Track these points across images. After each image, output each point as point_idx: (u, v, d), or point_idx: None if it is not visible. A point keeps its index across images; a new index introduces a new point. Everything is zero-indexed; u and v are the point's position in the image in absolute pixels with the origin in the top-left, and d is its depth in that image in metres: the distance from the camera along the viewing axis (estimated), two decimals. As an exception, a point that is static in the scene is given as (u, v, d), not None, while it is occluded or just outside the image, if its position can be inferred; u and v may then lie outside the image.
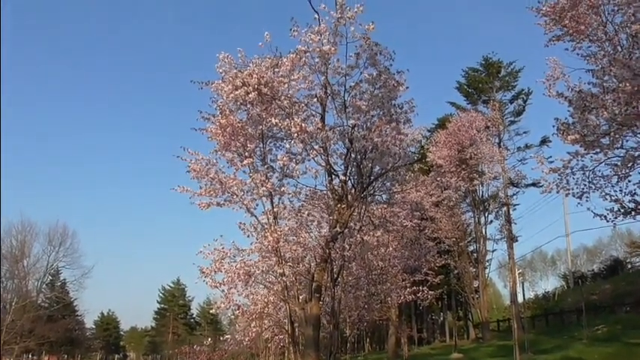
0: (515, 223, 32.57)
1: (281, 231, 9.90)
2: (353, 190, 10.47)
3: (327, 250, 10.00)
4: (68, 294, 69.14)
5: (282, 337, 11.75)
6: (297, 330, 11.36)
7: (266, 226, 10.65)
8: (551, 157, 30.86)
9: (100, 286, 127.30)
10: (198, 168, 11.35)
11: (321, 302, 10.38)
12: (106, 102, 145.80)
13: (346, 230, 10.24)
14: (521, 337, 29.21)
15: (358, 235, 9.95)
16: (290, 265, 10.18)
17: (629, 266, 48.78)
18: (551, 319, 35.06)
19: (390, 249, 11.90)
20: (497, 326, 38.86)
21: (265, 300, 11.28)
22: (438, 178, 28.74)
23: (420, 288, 14.70)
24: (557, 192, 10.60)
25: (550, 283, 75.78)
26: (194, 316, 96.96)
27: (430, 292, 15.01)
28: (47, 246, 60.69)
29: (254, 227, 10.85)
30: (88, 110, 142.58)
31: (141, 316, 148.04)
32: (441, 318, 46.00)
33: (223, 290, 11.31)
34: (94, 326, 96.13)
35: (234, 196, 11.29)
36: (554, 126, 10.31)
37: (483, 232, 32.64)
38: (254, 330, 10.65)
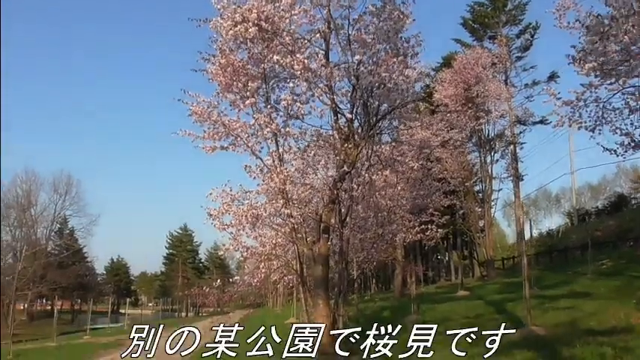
0: (522, 162, 32.39)
1: (287, 173, 9.70)
2: (360, 129, 10.19)
3: (335, 191, 9.84)
4: (77, 241, 70.47)
5: (290, 277, 11.77)
6: (305, 270, 11.37)
7: (272, 168, 10.45)
8: (559, 92, 30.35)
9: (109, 233, 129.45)
10: (199, 111, 11.02)
11: (329, 243, 10.32)
12: (106, 47, 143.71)
13: (353, 170, 10.02)
14: (527, 273, 29.69)
15: (366, 175, 9.76)
16: (297, 207, 10.05)
17: (634, 202, 48.90)
18: (555, 255, 35.44)
19: (399, 188, 11.75)
20: (502, 264, 39.40)
21: (273, 242, 11.23)
22: (445, 119, 28.28)
23: (429, 227, 14.68)
24: (570, 125, 10.27)
25: (554, 221, 76.34)
26: (202, 260, 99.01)
27: (439, 229, 15.01)
28: (53, 195, 61.47)
29: (260, 169, 10.65)
30: (89, 57, 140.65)
31: (150, 262, 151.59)
32: (446, 258, 46.62)
33: (232, 232, 11.28)
34: (104, 272, 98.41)
35: (239, 139, 11.03)
36: (568, 55, 9.88)
37: (489, 172, 32.48)
38: (263, 271, 10.64)
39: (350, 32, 9.59)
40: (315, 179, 10.00)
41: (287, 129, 9.97)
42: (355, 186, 9.88)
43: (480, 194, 34.87)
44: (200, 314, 79.67)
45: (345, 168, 9.30)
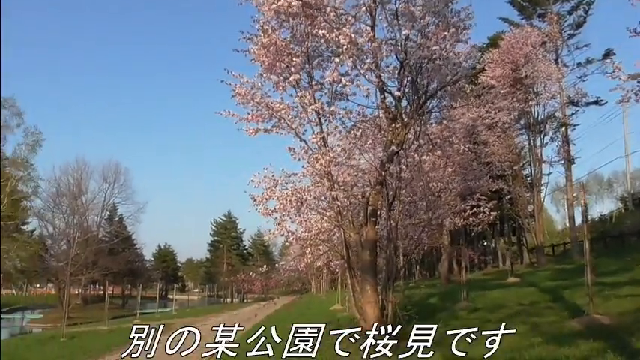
0: (574, 144, 30.96)
1: (332, 154, 9.36)
2: (408, 108, 9.75)
3: (383, 173, 9.45)
4: (126, 228, 72.52)
5: (337, 263, 11.47)
6: (352, 256, 11.05)
7: (316, 150, 10.14)
8: (614, 71, 28.77)
9: (156, 220, 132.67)
10: (243, 92, 10.80)
11: (377, 227, 9.97)
12: (153, 34, 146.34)
13: (401, 151, 9.61)
14: (579, 260, 28.52)
15: (416, 156, 9.33)
16: (343, 190, 9.71)
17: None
18: (610, 242, 33.92)
19: (449, 170, 11.25)
20: (551, 251, 38.13)
21: (319, 226, 10.94)
22: (491, 103, 27.22)
23: (482, 209, 14.11)
24: (637, 101, 9.51)
25: (605, 207, 73.57)
26: (246, 247, 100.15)
27: (492, 212, 14.40)
28: (102, 183, 63.35)
29: (304, 151, 10.36)
30: (136, 45, 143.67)
31: (196, 249, 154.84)
32: (493, 244, 45.43)
33: (276, 218, 11.09)
34: (152, 258, 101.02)
35: (282, 121, 10.77)
36: (629, 29, 9.15)
37: (539, 155, 31.21)
38: (309, 257, 10.38)
39: (397, 5, 9.15)
40: (362, 161, 9.61)
41: (332, 108, 9.60)
42: (404, 167, 9.47)
43: (529, 178, 33.66)
44: (245, 300, 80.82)
45: (394, 148, 8.89)
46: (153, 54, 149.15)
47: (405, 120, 9.59)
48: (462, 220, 12.49)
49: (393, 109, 9.87)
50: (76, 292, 63.78)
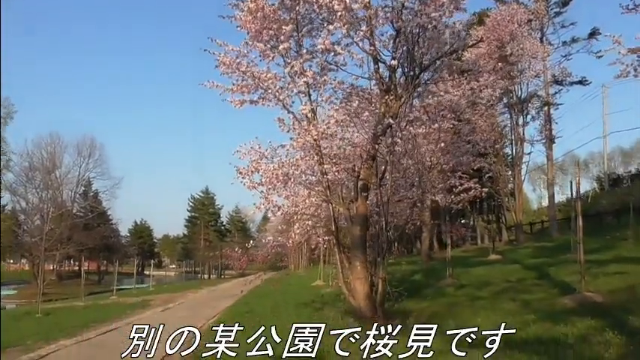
0: (557, 123, 31.01)
1: (323, 126, 8.97)
2: (402, 80, 9.38)
3: (375, 146, 9.12)
4: (101, 203, 71.37)
5: (319, 239, 11.17)
6: (340, 231, 10.77)
7: (304, 122, 9.74)
8: (600, 50, 28.70)
9: (131, 196, 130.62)
10: (227, 61, 10.31)
11: (368, 202, 9.68)
12: (122, 11, 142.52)
13: (395, 124, 9.27)
14: (558, 238, 28.83)
15: (411, 129, 9.00)
16: (335, 163, 9.35)
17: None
18: (588, 220, 34.33)
19: (442, 144, 10.98)
20: (529, 229, 38.54)
21: (307, 201, 10.60)
22: (475, 80, 26.92)
23: (473, 185, 13.91)
24: (636, 76, 9.31)
25: (581, 187, 74.62)
26: (224, 223, 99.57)
27: (483, 189, 14.22)
28: (77, 157, 61.97)
29: (293, 123, 9.95)
30: (108, 22, 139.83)
31: (172, 225, 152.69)
32: (471, 222, 45.76)
33: (262, 191, 10.73)
34: (128, 234, 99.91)
35: (269, 92, 10.32)
36: (622, 5, 8.91)
37: (521, 134, 31.24)
38: (297, 232, 10.05)
39: (393, -31, 8.72)
40: (355, 133, 9.24)
41: (323, 78, 9.18)
42: (399, 140, 9.13)
43: (510, 157, 33.77)
44: (223, 276, 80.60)
45: (390, 120, 8.53)
46: (128, 29, 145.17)
47: (399, 92, 9.22)
48: (452, 197, 12.23)
49: (386, 80, 9.49)
50: (51, 267, 62.65)
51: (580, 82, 29.41)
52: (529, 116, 31.51)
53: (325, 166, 9.58)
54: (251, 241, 17.26)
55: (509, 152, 34.38)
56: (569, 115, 77.59)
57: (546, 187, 36.86)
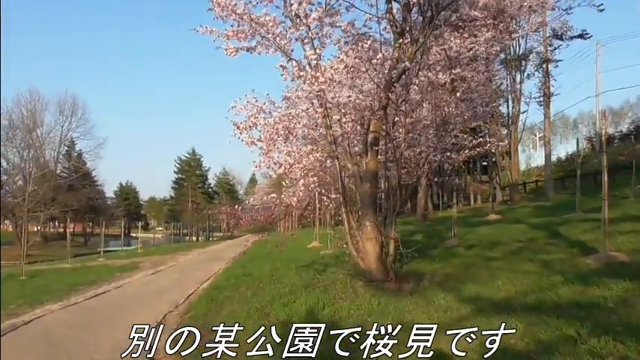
0: (555, 80, 30.24)
1: (332, 71, 8.07)
2: (419, 20, 8.49)
3: (388, 94, 8.28)
4: (85, 164, 69.90)
5: (332, 197, 10.42)
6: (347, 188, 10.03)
7: (309, 69, 8.84)
8: (602, 4, 27.65)
9: (117, 157, 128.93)
10: (223, 3, 9.29)
11: (379, 157, 8.93)
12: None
13: (411, 69, 8.43)
14: (554, 197, 28.53)
15: (430, 74, 8.17)
16: (344, 113, 8.52)
17: (661, 126, 47.18)
18: (583, 180, 34.07)
19: (457, 95, 10.17)
20: (523, 188, 38.28)
21: (310, 156, 9.80)
22: (473, 36, 25.87)
23: (487, 139, 13.15)
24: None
25: (570, 147, 74.84)
26: (211, 185, 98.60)
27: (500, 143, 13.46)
28: (59, 116, 60.31)
29: (296, 70, 9.05)
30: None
31: (159, 187, 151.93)
32: (463, 182, 45.40)
33: (261, 148, 9.93)
34: (114, 196, 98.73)
35: (268, 38, 9.36)
36: None
37: (518, 91, 30.46)
38: (301, 189, 9.29)
39: None
40: (366, 80, 8.38)
41: (333, 19, 8.24)
42: (416, 86, 8.31)
43: (506, 115, 33.08)
44: (211, 238, 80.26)
45: (407, 64, 7.68)
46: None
47: (415, 34, 8.34)
48: (453, 155, 11.49)
49: (400, 22, 8.60)
50: (35, 229, 61.63)
51: (580, 36, 28.47)
52: (526, 73, 30.73)
53: (337, 116, 8.74)
54: (251, 199, 16.41)
55: (504, 111, 33.66)
56: (560, 73, 76.83)
57: (535, 147, 36.36)
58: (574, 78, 70.70)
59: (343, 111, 8.34)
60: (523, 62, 30.25)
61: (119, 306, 11.61)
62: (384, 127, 8.88)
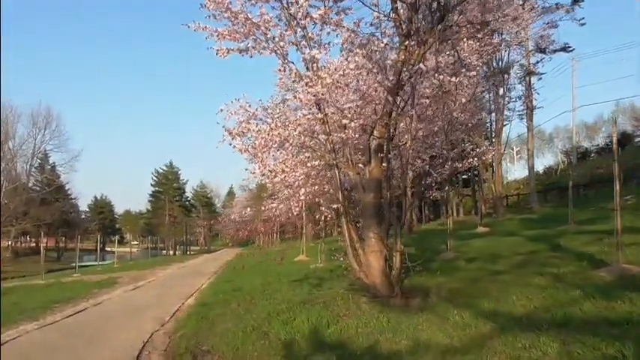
0: (539, 94, 30.41)
1: (340, 72, 7.60)
2: (427, 21, 8.09)
3: (395, 98, 7.85)
4: (59, 177, 68.01)
5: (334, 207, 9.88)
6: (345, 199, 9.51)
7: (310, 72, 8.36)
8: (583, 18, 27.86)
9: (92, 170, 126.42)
10: (217, -1, 8.78)
11: (383, 164, 8.45)
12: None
13: (416, 75, 8.01)
14: (539, 210, 28.48)
15: (441, 77, 7.75)
16: (350, 118, 8.01)
17: (637, 140, 47.90)
18: (563, 193, 34.20)
19: (463, 101, 9.79)
20: (505, 201, 38.27)
21: (309, 165, 9.28)
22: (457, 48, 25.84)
23: (487, 146, 12.81)
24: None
25: (545, 161, 75.87)
26: (189, 198, 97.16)
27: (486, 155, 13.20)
28: (32, 128, 58.63)
29: (295, 73, 8.57)
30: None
31: (134, 200, 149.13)
32: (444, 195, 45.21)
33: (256, 155, 9.42)
34: (88, 210, 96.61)
35: (267, 39, 8.86)
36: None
37: (501, 104, 30.51)
38: (302, 198, 8.73)
39: None
40: (371, 83, 7.91)
41: (339, 16, 7.79)
42: (428, 90, 7.90)
43: (489, 129, 33.10)
44: (188, 252, 78.76)
45: (421, 65, 7.26)
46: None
47: (423, 36, 7.93)
48: (470, 161, 11.06)
49: (405, 23, 8.19)
50: (6, 244, 59.56)
51: (563, 49, 28.70)
52: (508, 86, 30.82)
53: (346, 120, 8.25)
54: (247, 210, 15.59)
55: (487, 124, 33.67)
56: (541, 87, 77.86)
57: (513, 160, 36.51)
58: (550, 92, 71.98)
59: (349, 116, 7.84)
60: (507, 75, 30.32)
61: (100, 325, 10.83)
62: (388, 133, 8.42)
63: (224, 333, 8.36)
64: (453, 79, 7.79)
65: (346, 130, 8.20)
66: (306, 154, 9.42)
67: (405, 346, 6.13)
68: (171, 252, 78.43)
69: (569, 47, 28.48)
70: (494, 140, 31.54)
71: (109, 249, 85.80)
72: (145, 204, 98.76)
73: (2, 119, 53.49)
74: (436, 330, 6.54)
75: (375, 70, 7.43)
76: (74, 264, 33.32)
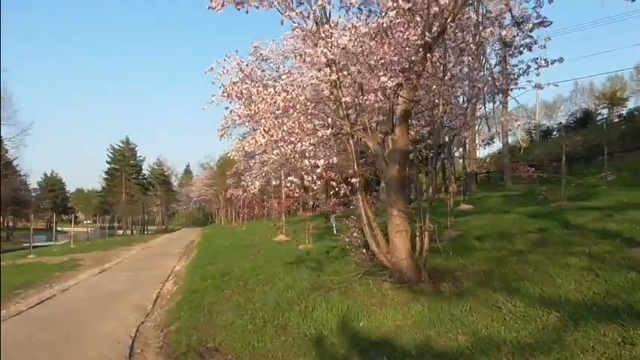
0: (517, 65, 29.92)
1: (366, 28, 6.52)
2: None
3: (427, 54, 6.84)
4: (7, 152, 64.01)
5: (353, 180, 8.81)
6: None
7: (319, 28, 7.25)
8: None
9: (42, 146, 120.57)
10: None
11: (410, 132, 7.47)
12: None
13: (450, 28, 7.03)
14: (512, 187, 28.28)
15: (467, 36, 6.78)
16: (382, 74, 6.94)
17: (599, 118, 48.71)
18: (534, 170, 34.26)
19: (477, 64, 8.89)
20: (475, 179, 38.17)
21: (319, 135, 8.20)
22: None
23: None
24: None
25: (508, 139, 76.90)
26: (146, 176, 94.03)
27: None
28: (-24, 99, 54.46)
29: (310, 29, 7.43)
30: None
31: (87, 178, 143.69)
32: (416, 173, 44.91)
33: (255, 122, 8.33)
34: (38, 187, 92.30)
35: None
36: None
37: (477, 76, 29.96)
38: (319, 171, 7.61)
39: None
40: (400, 38, 6.85)
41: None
42: (465, 45, 6.94)
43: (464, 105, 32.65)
44: (146, 232, 76.47)
45: (449, 20, 6.28)
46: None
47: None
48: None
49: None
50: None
51: (541, 24, 28.16)
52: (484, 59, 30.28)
53: (351, 84, 7.19)
54: (242, 188, 14.35)
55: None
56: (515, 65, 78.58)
57: (496, 135, 36.22)
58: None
59: (381, 73, 6.77)
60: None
61: (75, 316, 9.54)
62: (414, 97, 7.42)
63: (229, 326, 7.29)
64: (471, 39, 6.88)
65: (360, 97, 7.14)
66: (315, 122, 8.32)
67: (464, 343, 5.23)
68: (128, 231, 75.82)
69: (547, 21, 28.01)
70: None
71: (59, 228, 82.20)
72: (98, 182, 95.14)
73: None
74: (491, 321, 5.68)
75: (417, 19, 6.36)
76: (27, 244, 31.20)
